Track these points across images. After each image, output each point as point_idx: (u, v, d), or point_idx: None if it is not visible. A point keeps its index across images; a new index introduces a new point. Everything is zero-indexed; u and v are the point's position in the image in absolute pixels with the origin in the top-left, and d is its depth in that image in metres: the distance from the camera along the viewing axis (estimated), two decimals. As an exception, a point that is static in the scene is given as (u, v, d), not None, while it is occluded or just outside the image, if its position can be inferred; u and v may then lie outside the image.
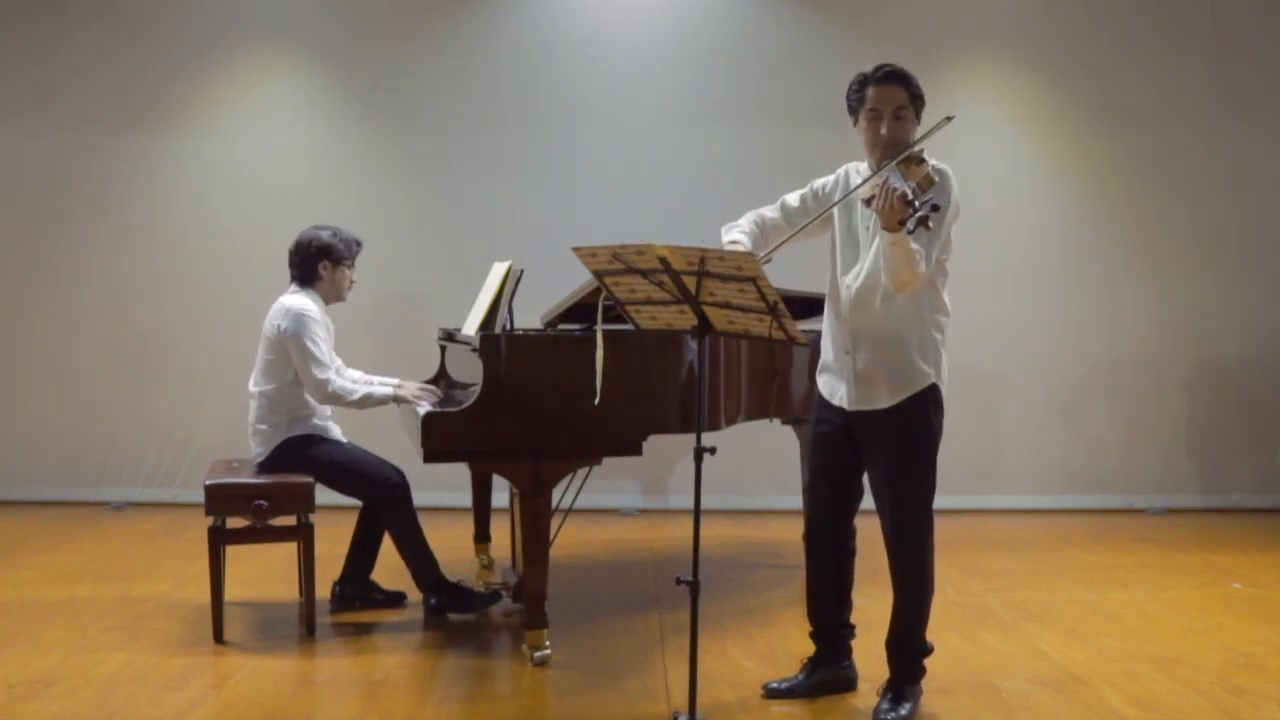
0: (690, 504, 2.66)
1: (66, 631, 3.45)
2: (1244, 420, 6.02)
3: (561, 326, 3.94)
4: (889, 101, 2.63)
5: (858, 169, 2.81)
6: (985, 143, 5.89)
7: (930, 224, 2.32)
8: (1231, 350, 6.02)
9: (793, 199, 2.90)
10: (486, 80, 5.80)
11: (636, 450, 3.18)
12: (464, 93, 5.80)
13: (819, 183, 2.89)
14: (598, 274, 2.65)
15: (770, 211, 2.92)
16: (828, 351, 2.86)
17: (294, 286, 3.69)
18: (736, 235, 2.81)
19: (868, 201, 2.52)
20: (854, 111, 2.73)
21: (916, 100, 2.66)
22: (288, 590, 3.88)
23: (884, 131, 2.63)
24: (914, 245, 2.48)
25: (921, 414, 2.71)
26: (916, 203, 2.32)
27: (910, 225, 2.33)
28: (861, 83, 2.69)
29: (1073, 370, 5.98)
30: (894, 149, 2.57)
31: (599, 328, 2.91)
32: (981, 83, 5.95)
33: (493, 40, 5.82)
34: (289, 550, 3.56)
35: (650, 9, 5.87)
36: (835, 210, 2.79)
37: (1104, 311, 5.96)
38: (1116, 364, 5.98)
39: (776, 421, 4.21)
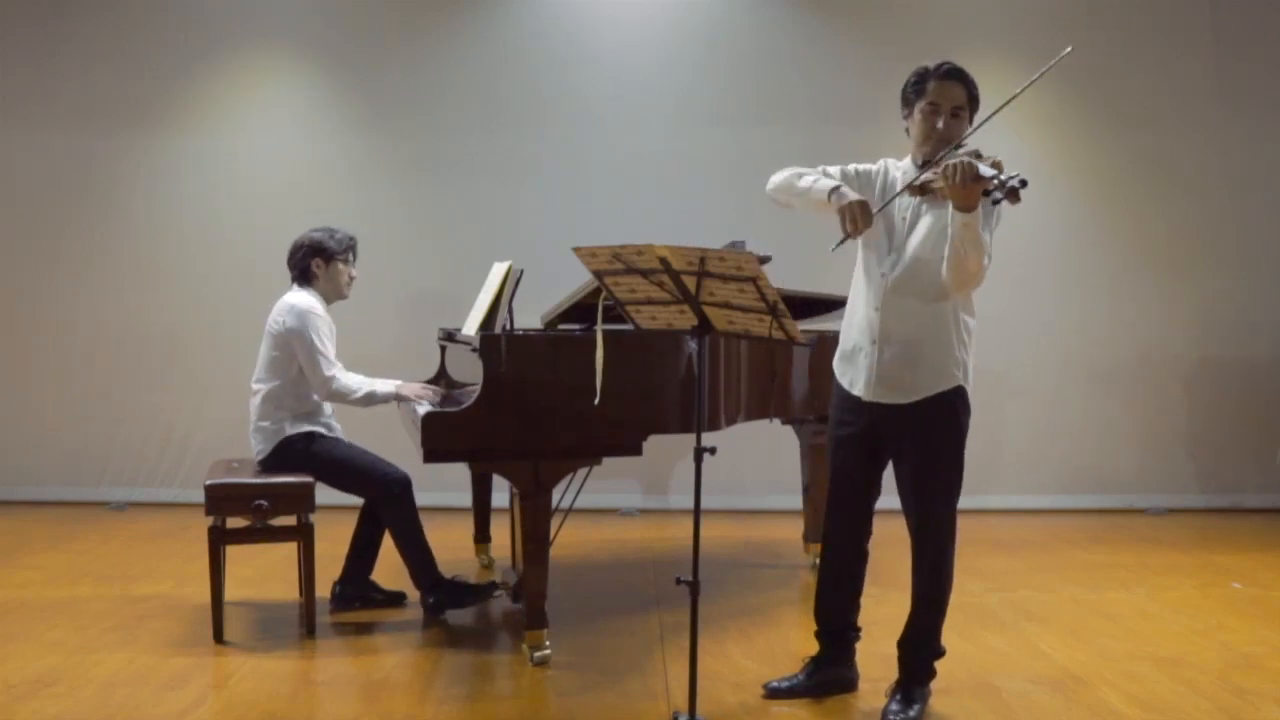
0: (690, 504, 2.66)
1: (67, 631, 3.45)
2: (1244, 420, 6.01)
3: (561, 326, 3.94)
4: (949, 98, 2.66)
5: (896, 164, 2.79)
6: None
7: (1020, 197, 2.29)
8: (1231, 350, 6.01)
9: (835, 170, 2.76)
10: (486, 81, 5.80)
11: (636, 450, 3.18)
12: (464, 93, 5.80)
13: (858, 167, 2.79)
14: (598, 274, 2.65)
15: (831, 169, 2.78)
16: (850, 340, 2.81)
17: (295, 286, 3.71)
18: (817, 174, 2.69)
19: (919, 190, 2.49)
20: (909, 104, 2.70)
21: (973, 102, 2.69)
22: (288, 590, 3.88)
23: (940, 126, 2.63)
24: (984, 233, 2.46)
25: (950, 414, 2.69)
26: (1001, 175, 2.29)
27: (998, 194, 2.31)
28: (922, 76, 2.68)
29: (1073, 370, 5.98)
30: (946, 145, 2.57)
31: (599, 328, 2.91)
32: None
33: (492, 41, 5.82)
34: (289, 550, 3.56)
35: (650, 10, 5.87)
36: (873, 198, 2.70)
37: (1104, 311, 5.95)
38: (1116, 364, 5.98)
39: (776, 421, 4.20)
